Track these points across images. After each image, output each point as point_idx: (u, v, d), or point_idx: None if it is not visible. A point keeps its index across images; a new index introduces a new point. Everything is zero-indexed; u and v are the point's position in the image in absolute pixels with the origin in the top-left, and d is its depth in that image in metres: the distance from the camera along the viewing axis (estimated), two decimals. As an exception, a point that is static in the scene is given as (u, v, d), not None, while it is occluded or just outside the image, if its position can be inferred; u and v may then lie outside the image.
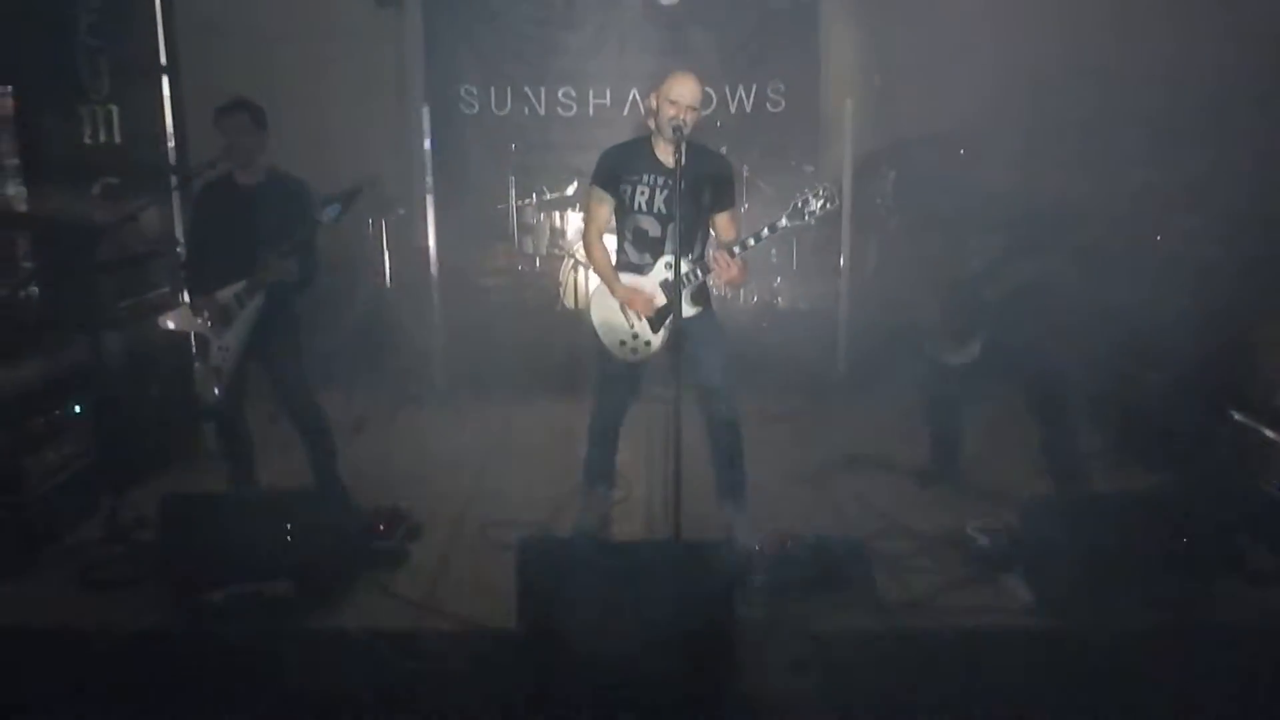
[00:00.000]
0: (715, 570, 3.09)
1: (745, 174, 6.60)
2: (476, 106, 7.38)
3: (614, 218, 4.00)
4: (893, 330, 5.09)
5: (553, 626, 2.98)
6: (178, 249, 5.11)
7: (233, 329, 4.06)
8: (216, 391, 4.12)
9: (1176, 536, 3.61)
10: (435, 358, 6.29)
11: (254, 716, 3.07)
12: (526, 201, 7.09)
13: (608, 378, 4.08)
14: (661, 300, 3.89)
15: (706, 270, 3.82)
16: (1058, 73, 6.28)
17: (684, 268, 3.70)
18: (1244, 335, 4.67)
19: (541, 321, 6.69)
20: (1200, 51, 5.76)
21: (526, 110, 7.37)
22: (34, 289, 4.51)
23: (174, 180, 5.17)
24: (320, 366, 4.56)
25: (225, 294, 4.06)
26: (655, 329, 3.91)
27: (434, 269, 6.28)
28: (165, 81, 5.23)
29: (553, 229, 7.06)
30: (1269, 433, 4.19)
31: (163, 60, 5.21)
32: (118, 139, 4.85)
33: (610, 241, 4.06)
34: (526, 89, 7.36)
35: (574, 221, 6.90)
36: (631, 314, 3.92)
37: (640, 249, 3.94)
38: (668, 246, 3.85)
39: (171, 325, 4.24)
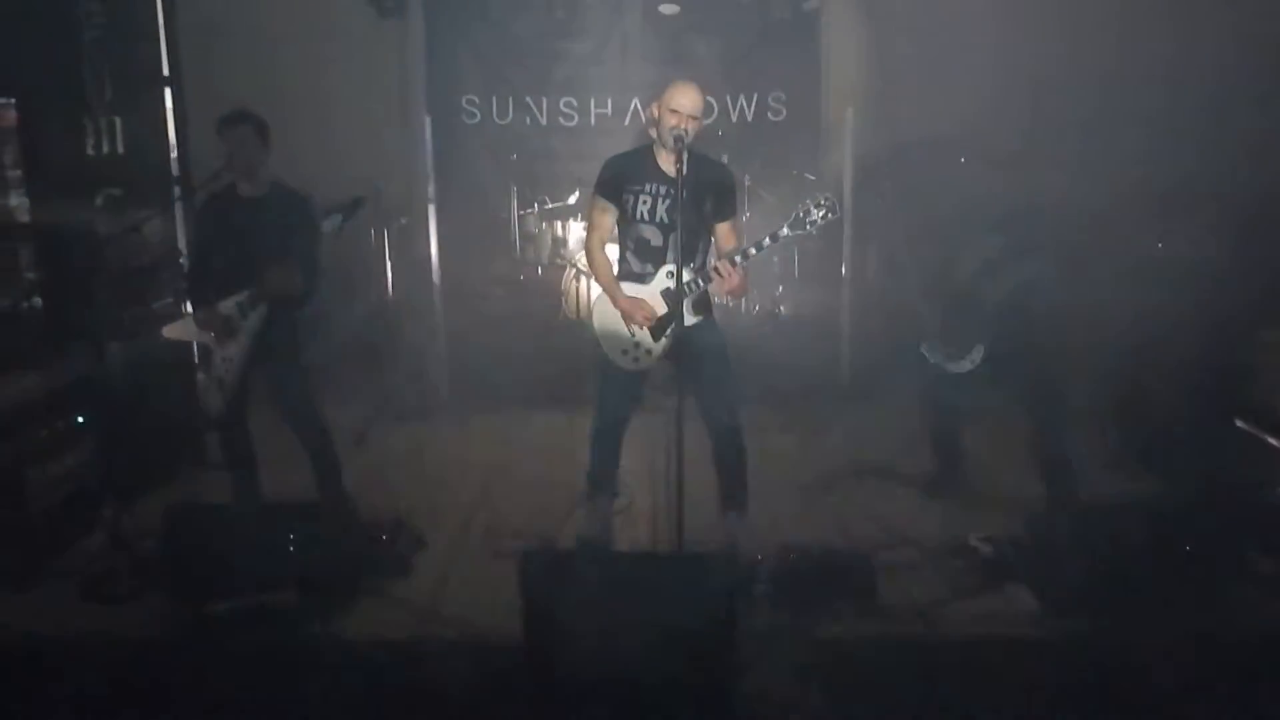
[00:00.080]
0: (718, 580, 3.09)
1: (747, 183, 6.61)
2: (478, 116, 7.39)
3: (616, 227, 4.01)
4: (896, 339, 5.09)
5: (556, 636, 2.98)
6: (180, 260, 5.12)
7: (236, 340, 4.07)
8: (219, 402, 4.12)
9: (1181, 543, 3.61)
10: (437, 367, 6.29)
11: (257, 728, 3.07)
12: (528, 211, 7.09)
13: (610, 387, 4.08)
14: (663, 309, 3.89)
15: (708, 279, 3.82)
16: (1058, 77, 6.30)
17: (686, 276, 3.70)
18: (1246, 340, 4.67)
19: (543, 331, 6.69)
20: (1201, 52, 5.77)
21: (528, 120, 7.37)
22: (37, 300, 4.51)
23: (177, 191, 5.18)
24: (323, 376, 4.56)
25: (228, 305, 4.06)
26: (657, 338, 3.91)
27: (436, 279, 6.28)
28: (168, 93, 5.24)
29: (554, 238, 7.07)
30: (1272, 439, 4.19)
31: (165, 71, 5.23)
32: (120, 150, 4.85)
33: (611, 251, 4.06)
34: (528, 99, 7.36)
35: (576, 231, 6.90)
36: (632, 324, 3.92)
37: (642, 258, 3.94)
38: (669, 255, 3.85)
39: (174, 336, 4.24)
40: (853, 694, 3.17)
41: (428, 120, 6.34)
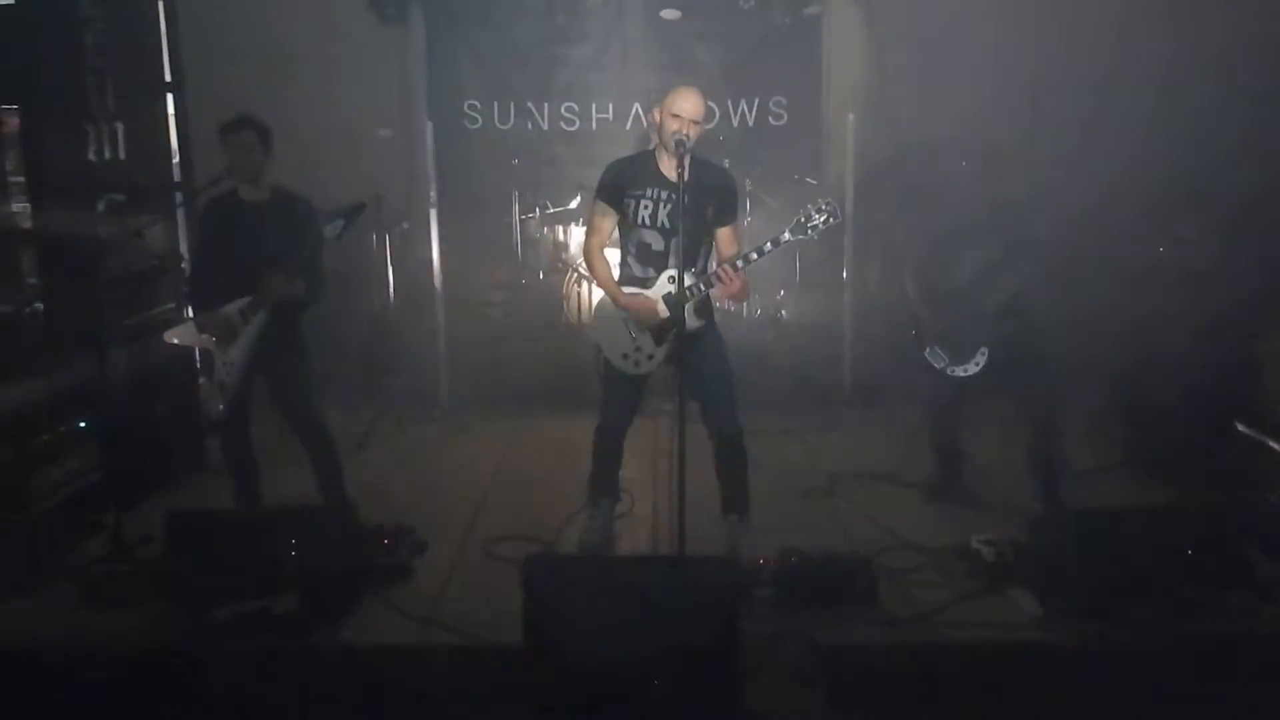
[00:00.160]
0: (719, 584, 3.08)
1: (748, 187, 6.61)
2: (480, 121, 7.40)
3: (617, 231, 4.02)
4: (897, 343, 5.09)
5: (557, 641, 2.97)
6: (182, 265, 5.13)
7: (237, 345, 4.07)
8: (221, 407, 4.12)
9: (1184, 548, 3.60)
10: (439, 371, 6.29)
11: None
12: (530, 216, 7.10)
13: (611, 391, 4.08)
14: (664, 314, 3.89)
15: (710, 284, 3.82)
16: (1057, 79, 6.31)
17: (687, 281, 3.71)
18: (1248, 345, 4.67)
19: (545, 335, 6.69)
20: (1201, 53, 5.77)
21: (529, 125, 7.38)
22: (39, 305, 4.52)
23: (178, 197, 5.19)
24: (324, 381, 4.56)
25: (230, 310, 4.06)
26: (658, 342, 3.91)
27: (437, 283, 6.29)
28: (170, 99, 5.25)
29: (556, 243, 7.07)
30: (1273, 443, 4.18)
31: (167, 77, 5.24)
32: (122, 156, 4.86)
33: (613, 255, 4.07)
34: (529, 104, 7.37)
35: (577, 236, 6.90)
36: (634, 327, 3.92)
37: (643, 263, 3.94)
38: (671, 260, 3.85)
39: (176, 341, 4.24)
40: (855, 697, 3.16)
41: (429, 126, 6.35)
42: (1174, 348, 4.91)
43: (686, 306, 3.73)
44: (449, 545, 4.26)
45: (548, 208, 7.10)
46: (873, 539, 4.22)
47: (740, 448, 4.02)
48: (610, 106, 7.34)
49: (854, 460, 5.18)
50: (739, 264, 3.77)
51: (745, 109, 7.32)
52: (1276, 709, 3.06)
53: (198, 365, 5.11)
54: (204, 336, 4.12)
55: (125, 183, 4.86)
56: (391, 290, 6.84)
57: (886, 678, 3.30)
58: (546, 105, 7.35)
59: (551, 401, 6.13)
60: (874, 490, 4.85)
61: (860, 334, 6.41)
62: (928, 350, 4.38)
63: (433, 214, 6.25)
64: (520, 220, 7.09)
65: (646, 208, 3.86)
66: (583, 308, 6.64)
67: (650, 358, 3.93)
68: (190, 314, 4.48)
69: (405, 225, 7.01)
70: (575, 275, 6.74)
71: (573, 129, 7.38)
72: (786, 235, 3.76)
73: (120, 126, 4.84)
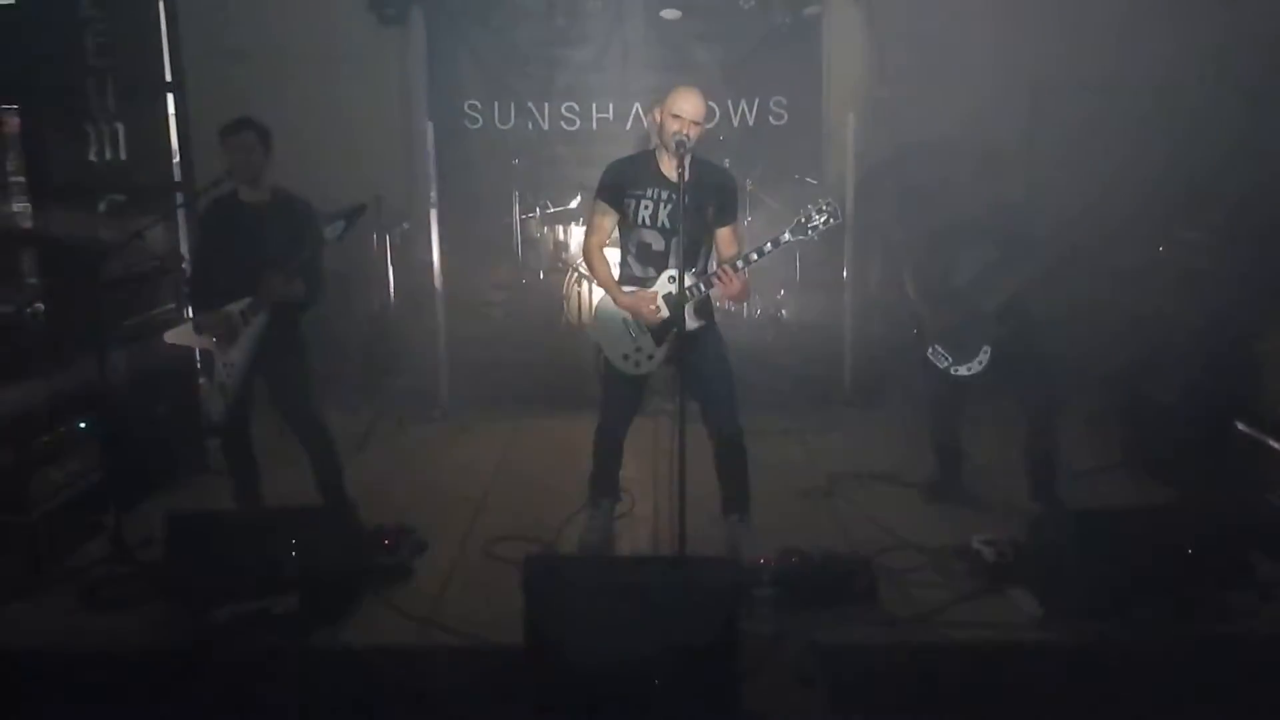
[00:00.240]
0: (720, 584, 3.08)
1: (748, 187, 6.61)
2: (480, 121, 7.40)
3: (617, 231, 4.02)
4: (898, 343, 5.09)
5: (558, 641, 2.97)
6: (183, 266, 5.13)
7: (238, 346, 4.07)
8: (222, 408, 4.12)
9: (1184, 548, 3.60)
10: (439, 371, 6.30)
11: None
12: (530, 216, 7.10)
13: (611, 391, 4.09)
14: (665, 314, 3.89)
15: (710, 284, 3.82)
16: (1057, 80, 6.31)
17: (687, 282, 3.71)
18: (1248, 345, 4.66)
19: (545, 335, 6.69)
20: (1201, 54, 5.78)
21: (530, 125, 7.38)
22: (40, 306, 4.52)
23: (179, 198, 5.19)
24: (325, 382, 4.56)
25: (230, 311, 4.06)
26: (658, 342, 3.91)
27: (438, 283, 6.29)
28: (170, 99, 5.25)
29: (556, 243, 7.07)
30: (1274, 443, 4.18)
31: (168, 78, 5.24)
32: (123, 156, 4.87)
33: (612, 255, 4.07)
34: (530, 104, 7.37)
35: (577, 235, 6.89)
36: (635, 328, 3.93)
37: (644, 263, 3.95)
38: (671, 260, 3.86)
39: (177, 342, 4.24)
40: (855, 697, 3.16)
41: (430, 126, 6.35)
42: (1174, 347, 4.91)
43: (686, 307, 3.73)
44: (449, 545, 4.26)
45: (548, 208, 7.10)
46: (873, 539, 4.23)
47: (740, 448, 4.03)
48: (610, 106, 7.34)
49: (854, 460, 5.18)
50: (739, 264, 3.77)
51: (745, 109, 7.32)
52: (1277, 709, 3.06)
53: (198, 366, 5.11)
54: (205, 338, 4.12)
55: (126, 183, 4.87)
56: (392, 290, 6.84)
57: (887, 678, 3.30)
58: (547, 105, 7.35)
59: (552, 401, 6.13)
60: (874, 490, 4.85)
61: (860, 334, 6.41)
62: (930, 350, 4.39)
63: (433, 214, 6.25)
64: (520, 220, 7.09)
65: (647, 208, 3.86)
66: (583, 308, 6.64)
67: (650, 358, 3.93)
68: (191, 315, 4.49)
69: (406, 225, 7.01)
70: (575, 275, 6.75)
71: (573, 129, 7.38)
72: (787, 236, 3.76)
73: (121, 127, 4.85)
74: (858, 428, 5.84)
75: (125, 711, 3.17)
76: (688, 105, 3.68)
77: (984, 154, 4.51)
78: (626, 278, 3.99)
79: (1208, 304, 4.84)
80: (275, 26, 6.90)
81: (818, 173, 7.10)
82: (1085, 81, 6.34)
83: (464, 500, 4.78)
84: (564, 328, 6.71)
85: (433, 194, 6.26)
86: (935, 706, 3.14)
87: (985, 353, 4.26)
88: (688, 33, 7.24)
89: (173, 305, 5.16)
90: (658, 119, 3.79)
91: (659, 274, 3.91)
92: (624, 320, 3.94)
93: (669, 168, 3.80)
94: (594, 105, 7.34)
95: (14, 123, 4.51)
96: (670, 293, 3.85)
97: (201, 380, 5.09)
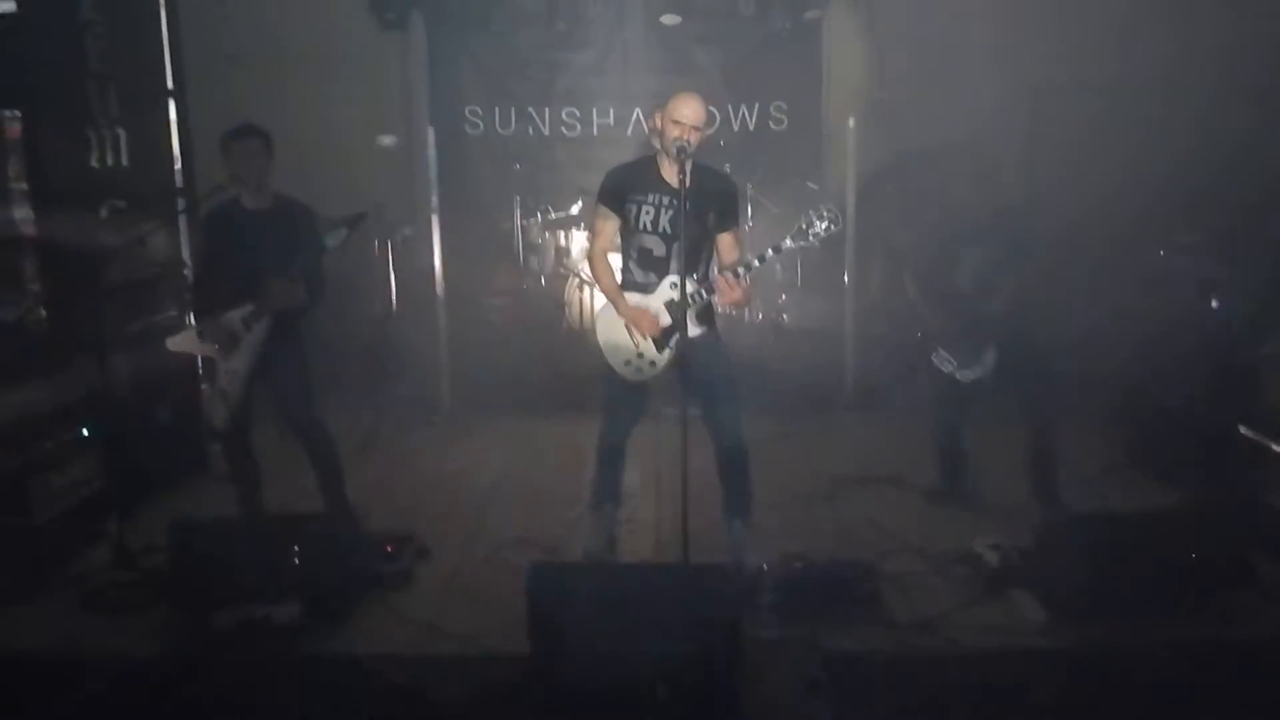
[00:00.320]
0: (723, 589, 3.08)
1: (749, 192, 6.62)
2: (481, 127, 7.40)
3: (619, 236, 4.02)
4: (900, 347, 5.09)
5: (560, 648, 2.97)
6: (185, 272, 5.13)
7: (240, 352, 4.07)
8: (224, 414, 4.12)
9: (1188, 552, 3.60)
10: (441, 378, 6.29)
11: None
12: (531, 221, 7.10)
13: (613, 397, 4.08)
14: (667, 320, 3.89)
15: (711, 290, 3.82)
16: (1058, 83, 6.32)
17: (689, 288, 3.71)
18: (1251, 348, 4.67)
19: (547, 341, 6.69)
20: (1201, 55, 5.78)
21: (530, 130, 7.38)
22: (42, 312, 4.52)
23: (181, 204, 5.20)
24: (327, 387, 4.56)
25: (232, 317, 4.06)
26: (660, 348, 3.91)
27: (439, 289, 6.29)
28: (172, 106, 5.25)
29: (557, 248, 7.07)
30: (1278, 447, 4.18)
31: (169, 84, 5.25)
32: (125, 162, 4.87)
33: (614, 260, 4.07)
34: (530, 109, 7.37)
35: (579, 241, 6.90)
36: (636, 333, 3.92)
37: (645, 268, 3.94)
38: (672, 266, 3.85)
39: (178, 348, 4.25)
40: (859, 702, 3.16)
41: (431, 131, 6.36)
42: (1177, 350, 4.91)
43: (689, 313, 3.73)
44: (451, 551, 4.26)
45: (549, 213, 7.10)
46: (876, 543, 4.22)
47: (743, 452, 4.02)
48: (611, 111, 7.34)
49: (856, 464, 5.17)
50: (740, 270, 3.77)
51: (746, 113, 7.32)
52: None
53: (200, 372, 5.11)
54: (207, 344, 4.12)
55: (127, 189, 4.86)
56: (394, 295, 6.84)
57: (890, 682, 3.29)
58: (547, 110, 7.35)
59: (553, 406, 6.13)
60: (877, 494, 4.84)
61: (862, 338, 6.41)
62: (934, 354, 4.38)
63: (434, 219, 6.26)
64: (522, 226, 7.10)
65: (648, 213, 3.86)
66: (584, 313, 6.64)
67: (653, 364, 3.93)
68: (193, 321, 4.49)
69: (407, 231, 7.01)
70: (577, 281, 6.75)
71: (574, 134, 7.38)
72: (789, 242, 3.76)
73: (122, 132, 4.85)
74: (859, 432, 5.84)
75: (128, 718, 3.16)
76: (688, 110, 3.69)
77: (985, 157, 4.51)
78: (628, 283, 3.98)
79: (1211, 306, 4.84)
80: (276, 32, 6.91)
81: (818, 177, 7.10)
82: (1086, 82, 6.34)
83: (466, 506, 4.78)
84: (565, 333, 6.72)
85: (434, 199, 6.26)
86: (939, 711, 3.14)
87: (990, 356, 4.26)
88: (688, 37, 7.25)
89: (174, 311, 5.15)
90: (658, 124, 3.79)
91: (660, 279, 3.91)
92: (626, 326, 3.94)
93: (670, 173, 3.80)
94: (595, 110, 7.35)
95: (16, 128, 4.51)
96: (672, 298, 3.85)
97: (204, 386, 5.09)
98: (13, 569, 3.90)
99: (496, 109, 7.36)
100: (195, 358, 4.79)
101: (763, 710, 3.04)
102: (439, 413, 6.21)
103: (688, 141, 3.63)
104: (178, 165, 5.29)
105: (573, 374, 6.13)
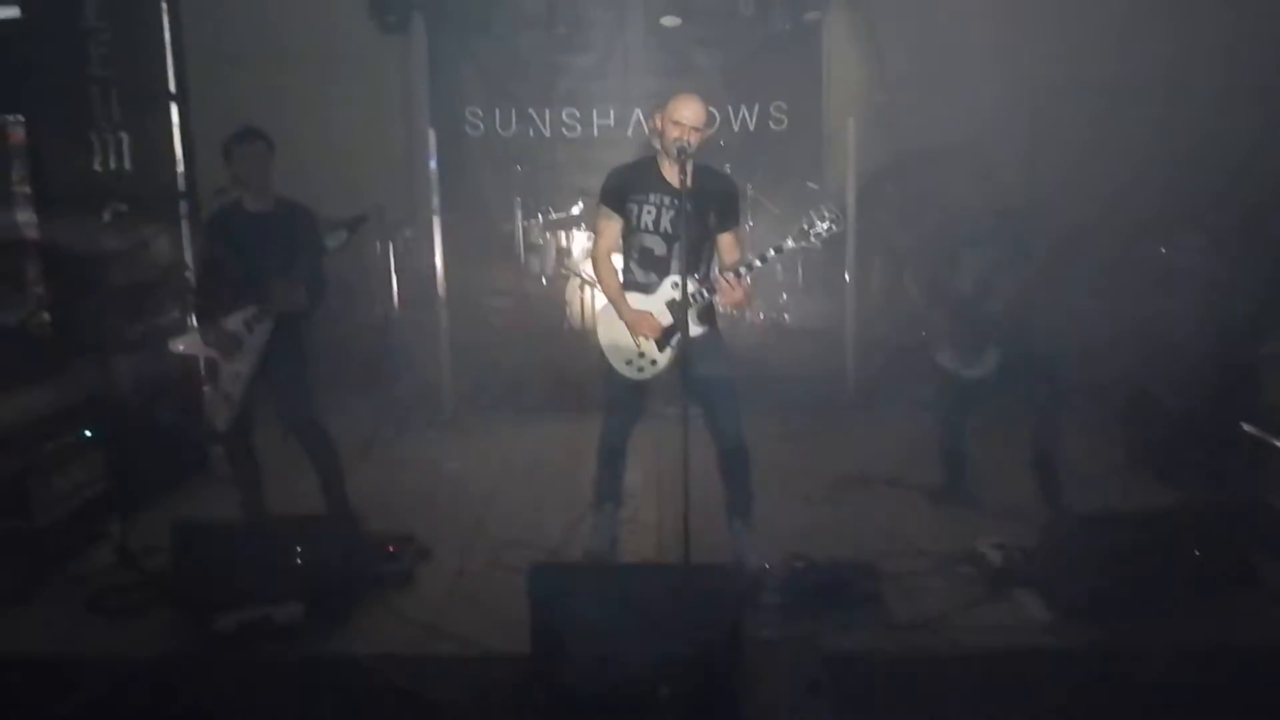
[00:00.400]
0: (725, 590, 3.08)
1: (749, 192, 6.63)
2: (482, 128, 7.43)
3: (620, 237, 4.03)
4: (902, 346, 5.09)
5: (562, 648, 2.98)
6: (187, 275, 5.14)
7: (242, 354, 4.08)
8: (226, 417, 4.13)
9: (1191, 551, 3.60)
10: (442, 379, 6.30)
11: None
12: (532, 222, 7.12)
13: (615, 397, 4.09)
14: (668, 320, 3.90)
15: (712, 290, 3.83)
16: (1059, 83, 6.32)
17: (690, 288, 3.72)
18: (1253, 347, 4.66)
19: (548, 341, 6.71)
20: (1201, 56, 5.78)
21: (531, 131, 7.41)
22: (45, 315, 4.54)
23: (183, 207, 5.21)
24: (329, 389, 4.57)
25: (235, 320, 4.07)
26: (662, 348, 3.92)
27: (440, 290, 6.30)
28: (174, 109, 5.27)
29: (559, 249, 7.09)
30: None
31: (172, 88, 5.26)
32: (128, 166, 4.88)
33: (615, 261, 4.07)
34: (531, 110, 7.40)
35: (580, 241, 6.92)
36: (637, 335, 3.93)
37: (646, 268, 3.95)
38: (673, 266, 3.86)
39: (183, 350, 4.26)
40: (861, 702, 3.16)
41: (431, 133, 6.37)
42: (1179, 350, 4.91)
43: (690, 312, 3.74)
44: (452, 552, 4.26)
45: (550, 214, 7.12)
46: (878, 543, 4.22)
47: (744, 452, 4.02)
48: (611, 113, 7.37)
49: (858, 464, 5.17)
50: (741, 271, 3.78)
51: (746, 114, 7.35)
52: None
53: (203, 374, 5.12)
54: (209, 346, 4.13)
55: (130, 192, 4.88)
56: (395, 297, 6.86)
57: (892, 683, 3.29)
58: (548, 112, 7.38)
59: (555, 407, 6.14)
60: (879, 495, 4.84)
61: (863, 338, 6.41)
62: (938, 353, 4.39)
63: (435, 221, 6.27)
64: (523, 226, 7.11)
65: (649, 213, 3.87)
66: (586, 313, 6.66)
67: (654, 364, 3.94)
68: (195, 323, 4.49)
69: (408, 232, 7.03)
70: (578, 281, 6.76)
71: (574, 135, 7.41)
72: (790, 243, 3.76)
73: (125, 136, 4.86)
74: (861, 431, 5.84)
75: (130, 719, 3.17)
76: (688, 111, 3.69)
77: (985, 157, 4.51)
78: (629, 283, 3.99)
79: (1213, 305, 4.84)
80: (278, 35, 6.93)
81: (818, 177, 7.11)
82: (1086, 83, 6.35)
83: (468, 506, 4.78)
84: (567, 333, 6.73)
85: (435, 201, 6.27)
86: (942, 711, 3.14)
87: (994, 356, 4.27)
88: (688, 39, 7.27)
89: (177, 314, 5.16)
90: (658, 125, 3.80)
91: (661, 280, 3.92)
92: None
93: (670, 173, 3.81)
94: (595, 111, 7.37)
95: (19, 133, 4.53)
96: (673, 298, 3.86)
97: (206, 388, 5.10)
98: (15, 570, 3.91)
99: (497, 110, 7.39)
100: (197, 360, 4.79)
101: (763, 710, 3.04)
102: (441, 413, 6.22)
103: (688, 142, 3.64)
104: (180, 169, 5.30)
105: (574, 375, 6.15)
